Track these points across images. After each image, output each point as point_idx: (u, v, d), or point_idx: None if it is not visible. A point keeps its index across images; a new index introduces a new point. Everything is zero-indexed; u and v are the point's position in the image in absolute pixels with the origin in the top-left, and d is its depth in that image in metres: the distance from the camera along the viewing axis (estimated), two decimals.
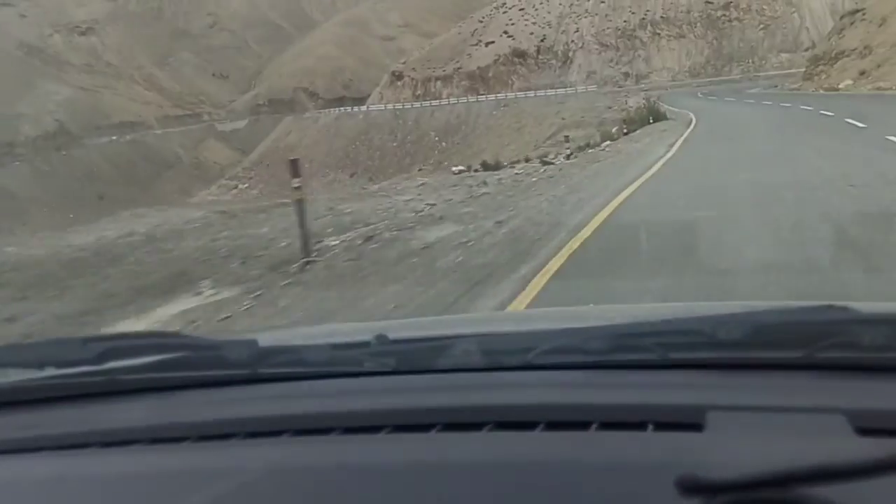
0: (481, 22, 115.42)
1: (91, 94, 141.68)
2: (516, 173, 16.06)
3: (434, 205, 12.18)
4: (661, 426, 0.96)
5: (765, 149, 14.56)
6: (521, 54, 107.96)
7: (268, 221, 10.76)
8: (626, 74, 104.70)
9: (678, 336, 1.15)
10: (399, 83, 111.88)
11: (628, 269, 6.08)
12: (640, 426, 0.96)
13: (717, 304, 2.07)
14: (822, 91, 47.15)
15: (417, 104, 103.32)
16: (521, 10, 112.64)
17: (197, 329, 5.48)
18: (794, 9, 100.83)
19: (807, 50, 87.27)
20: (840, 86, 46.71)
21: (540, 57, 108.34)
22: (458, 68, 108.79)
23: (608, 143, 21.99)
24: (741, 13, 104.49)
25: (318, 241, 9.26)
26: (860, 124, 17.74)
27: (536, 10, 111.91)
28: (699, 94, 65.03)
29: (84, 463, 1.08)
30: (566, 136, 15.63)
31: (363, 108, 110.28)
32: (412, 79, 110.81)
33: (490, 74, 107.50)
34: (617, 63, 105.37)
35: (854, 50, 52.23)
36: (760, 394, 1.03)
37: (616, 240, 7.43)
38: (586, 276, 6.03)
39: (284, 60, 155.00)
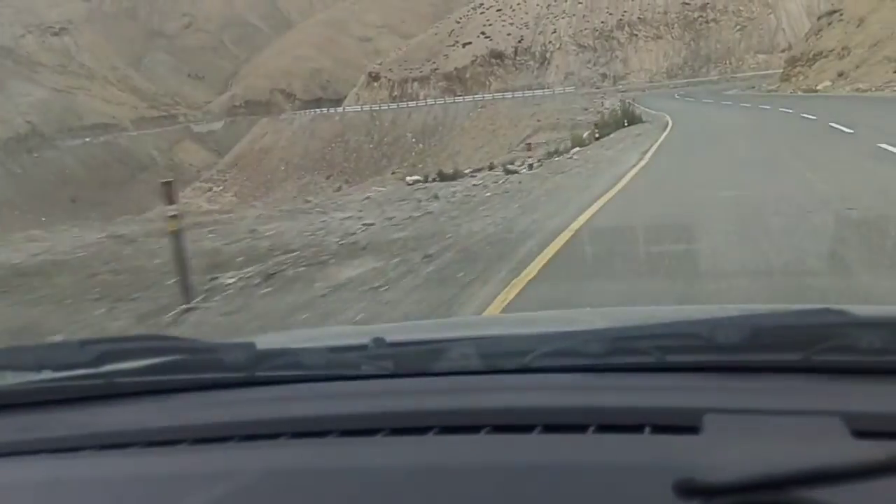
0: (458, 23, 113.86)
1: (64, 95, 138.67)
2: (473, 185, 14.44)
3: (371, 225, 10.53)
4: (659, 429, 0.95)
5: (746, 158, 13.03)
6: (498, 55, 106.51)
7: (170, 248, 9.10)
8: (604, 75, 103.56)
9: (675, 339, 1.14)
10: (376, 84, 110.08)
11: None
12: (637, 429, 0.96)
13: (715, 307, 2.08)
14: (800, 92, 45.96)
15: (394, 105, 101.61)
16: (498, 10, 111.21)
17: None
18: (770, 10, 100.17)
19: (783, 51, 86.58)
20: (818, 87, 45.56)
21: (517, 58, 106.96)
22: (435, 69, 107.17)
23: (577, 149, 20.40)
24: (718, 14, 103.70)
25: (214, 278, 7.59)
26: (847, 129, 16.28)
27: (514, 10, 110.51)
28: (676, 95, 63.81)
29: (81, 466, 1.07)
30: (528, 145, 13.95)
31: (339, 109, 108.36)
32: (389, 80, 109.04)
33: (467, 75, 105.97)
34: (594, 64, 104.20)
35: (832, 51, 51.20)
36: (757, 397, 1.02)
37: (566, 287, 5.80)
38: None
39: (261, 61, 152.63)
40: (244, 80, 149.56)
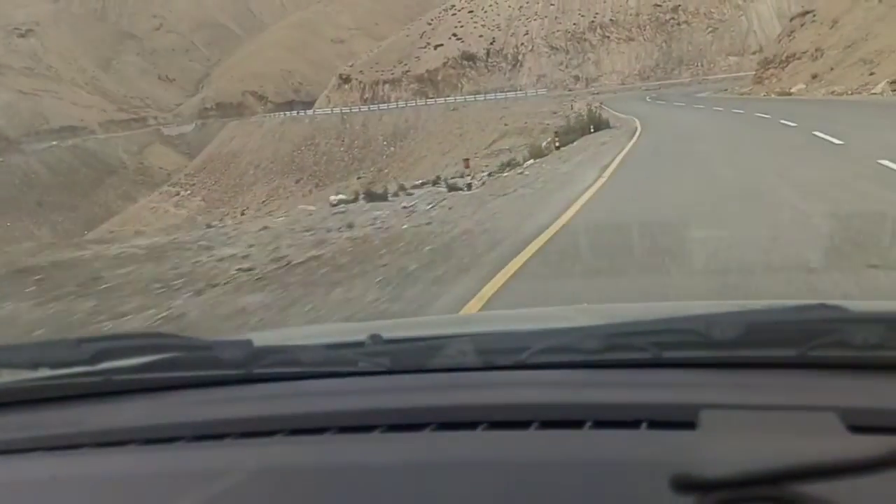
0: (430, 24, 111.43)
1: (30, 98, 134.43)
2: (402, 207, 12.01)
3: (248, 270, 8.05)
4: (655, 425, 0.95)
5: (723, 177, 10.67)
6: (470, 57, 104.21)
7: None
8: (576, 78, 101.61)
9: (672, 335, 1.13)
10: (347, 86, 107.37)
11: None
12: (633, 425, 0.95)
13: (711, 303, 2.05)
14: (773, 95, 43.95)
15: (365, 108, 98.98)
16: (469, 12, 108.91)
17: None
18: (741, 12, 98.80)
19: (754, 53, 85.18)
20: (792, 90, 43.60)
21: (489, 60, 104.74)
22: (407, 71, 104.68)
23: (531, 162, 17.98)
24: (689, 16, 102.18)
25: None
26: (834, 140, 14.00)
27: (485, 12, 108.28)
28: (647, 98, 61.69)
29: (78, 463, 1.06)
30: (466, 161, 11.62)
31: (309, 112, 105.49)
32: (360, 82, 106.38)
33: (439, 77, 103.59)
34: (567, 66, 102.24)
35: (805, 52, 49.40)
36: (754, 392, 1.02)
37: None
38: None
39: (233, 63, 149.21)
40: (216, 82, 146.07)
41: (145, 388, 1.24)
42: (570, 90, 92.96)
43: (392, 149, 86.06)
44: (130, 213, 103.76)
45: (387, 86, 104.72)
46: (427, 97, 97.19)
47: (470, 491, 0.85)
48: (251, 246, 9.84)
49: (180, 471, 0.99)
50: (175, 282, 7.93)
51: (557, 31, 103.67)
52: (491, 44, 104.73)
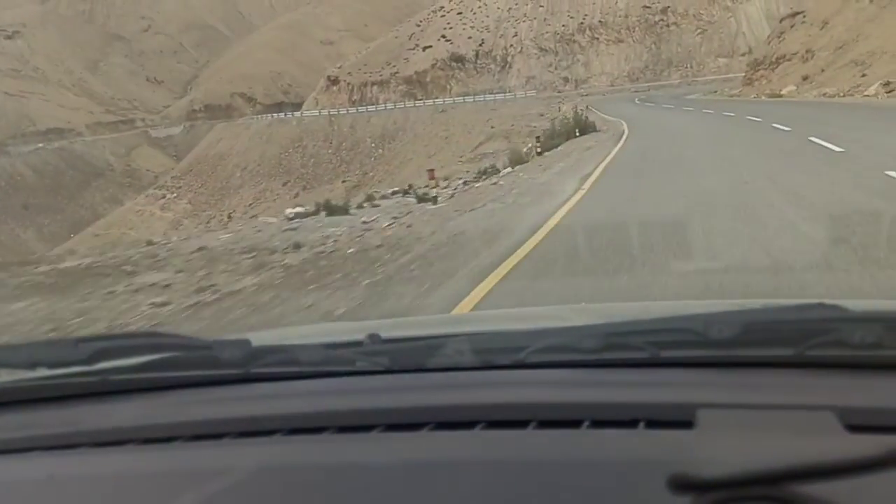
0: (419, 26, 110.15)
1: (17, 100, 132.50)
2: (361, 223, 10.76)
3: (164, 305, 6.80)
4: (652, 424, 0.94)
5: (715, 191, 9.45)
6: (459, 59, 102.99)
7: None
8: (566, 79, 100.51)
9: (669, 334, 1.13)
10: (335, 88, 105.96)
11: None
12: (631, 424, 0.95)
13: (709, 302, 2.00)
14: (764, 98, 42.86)
15: (353, 110, 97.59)
16: (458, 13, 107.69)
17: None
18: (730, 14, 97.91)
19: (743, 55, 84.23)
20: (783, 91, 42.52)
21: (479, 61, 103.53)
22: (396, 73, 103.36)
23: (508, 171, 16.72)
24: (679, 18, 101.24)
25: None
26: (833, 147, 12.81)
27: (475, 13, 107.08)
28: (636, 100, 60.51)
29: (76, 463, 1.05)
30: (431, 171, 10.38)
31: (297, 113, 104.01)
32: (348, 84, 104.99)
33: (428, 79, 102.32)
34: (556, 68, 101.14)
35: (795, 54, 48.33)
36: (751, 391, 1.01)
37: None
38: None
39: (221, 65, 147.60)
40: (204, 84, 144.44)
41: (143, 388, 1.23)
42: (559, 92, 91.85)
43: (380, 151, 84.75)
44: (115, 216, 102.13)
45: (375, 87, 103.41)
46: (416, 99, 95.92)
47: (468, 490, 0.84)
48: (179, 272, 8.58)
49: (178, 470, 0.99)
50: (71, 322, 6.66)
51: (546, 32, 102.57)
52: (480, 45, 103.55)
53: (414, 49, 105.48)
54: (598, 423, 0.96)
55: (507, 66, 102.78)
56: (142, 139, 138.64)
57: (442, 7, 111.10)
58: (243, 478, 0.92)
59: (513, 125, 46.02)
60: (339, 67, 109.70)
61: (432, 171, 10.56)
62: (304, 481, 0.92)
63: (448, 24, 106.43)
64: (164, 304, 7.01)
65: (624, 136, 23.23)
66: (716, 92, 60.84)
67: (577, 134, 25.64)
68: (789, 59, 48.65)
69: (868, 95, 31.56)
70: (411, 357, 1.21)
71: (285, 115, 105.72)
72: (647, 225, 7.55)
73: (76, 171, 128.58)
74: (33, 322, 6.60)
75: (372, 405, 1.08)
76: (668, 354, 1.09)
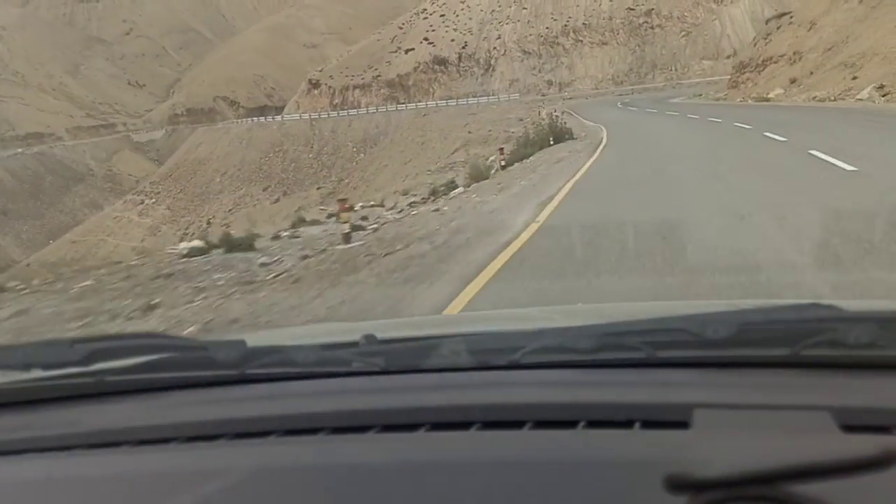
0: (401, 28, 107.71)
1: None
2: (259, 264, 8.33)
3: None
4: (648, 424, 0.94)
5: (703, 232, 7.09)
6: (442, 61, 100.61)
7: None
8: (550, 82, 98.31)
9: (665, 335, 1.12)
10: (316, 92, 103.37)
11: None
12: (627, 424, 0.94)
13: (704, 302, 1.99)
14: (751, 101, 40.69)
15: (335, 114, 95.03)
16: (441, 16, 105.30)
17: None
18: (714, 16, 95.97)
19: (728, 57, 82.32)
20: (770, 95, 40.36)
21: (462, 64, 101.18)
22: (378, 76, 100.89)
23: (460, 190, 14.29)
24: (663, 20, 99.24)
25: None
26: (841, 164, 10.47)
27: (457, 16, 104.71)
28: (619, 103, 58.28)
29: (71, 465, 1.04)
30: (341, 203, 8.11)
31: (277, 117, 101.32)
32: (330, 87, 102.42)
33: (410, 82, 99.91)
34: (540, 71, 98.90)
35: (782, 56, 46.21)
36: (746, 392, 1.01)
37: None
38: None
39: (204, 68, 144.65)
40: (187, 87, 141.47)
41: (139, 389, 1.21)
42: (543, 95, 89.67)
43: (361, 155, 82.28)
44: (93, 223, 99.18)
45: (357, 91, 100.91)
46: (398, 102, 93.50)
47: (464, 491, 0.83)
48: None
49: (174, 471, 0.97)
50: None
51: (530, 35, 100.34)
52: (463, 48, 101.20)
53: (396, 52, 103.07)
54: (593, 424, 0.95)
55: (491, 68, 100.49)
56: (123, 143, 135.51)
57: (425, 9, 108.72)
58: (239, 479, 0.91)
59: (490, 130, 43.69)
60: (320, 71, 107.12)
61: (344, 201, 8.14)
62: (301, 482, 0.91)
63: (431, 26, 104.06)
64: None
65: (602, 145, 20.89)
66: (700, 95, 58.67)
67: (552, 142, 23.25)
68: (776, 62, 46.53)
69: (861, 99, 29.41)
70: (407, 358, 1.19)
71: (265, 119, 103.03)
72: (609, 296, 5.15)
73: (56, 177, 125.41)
74: None
75: (368, 406, 1.07)
76: (664, 355, 1.08)
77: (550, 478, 0.83)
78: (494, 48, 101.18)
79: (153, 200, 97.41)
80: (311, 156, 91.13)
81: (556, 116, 27.79)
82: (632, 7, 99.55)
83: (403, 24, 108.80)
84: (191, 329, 5.64)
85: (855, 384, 1.00)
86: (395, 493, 0.85)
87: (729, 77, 56.45)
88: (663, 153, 16.14)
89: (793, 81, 41.59)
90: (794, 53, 44.71)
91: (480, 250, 7.30)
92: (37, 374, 1.22)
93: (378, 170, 55.89)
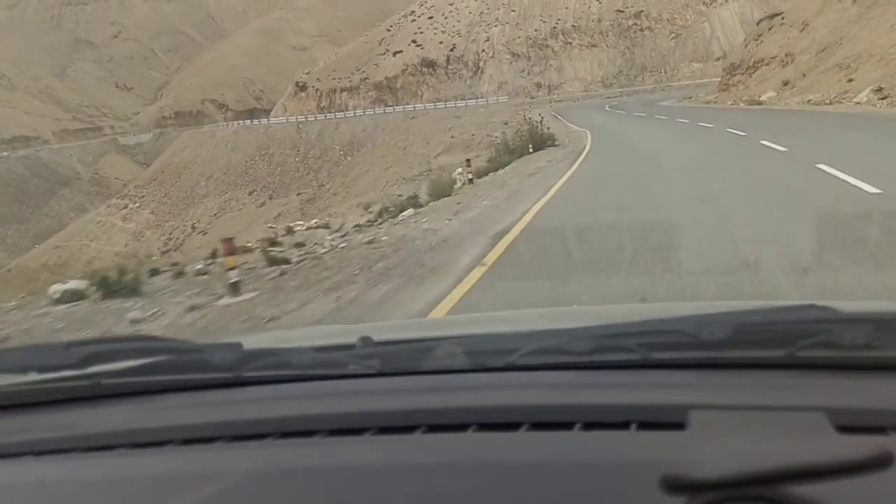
0: (389, 31, 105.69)
1: None
2: (126, 321, 6.33)
3: None
4: (645, 425, 0.94)
5: (695, 279, 5.15)
6: (430, 64, 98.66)
7: None
8: (539, 85, 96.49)
9: (661, 336, 1.12)
10: (303, 94, 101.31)
11: None
12: (623, 426, 0.94)
13: (700, 303, 1.97)
14: (743, 104, 38.83)
15: (322, 117, 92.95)
16: (429, 18, 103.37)
17: None
18: (704, 18, 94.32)
19: (718, 59, 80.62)
20: (762, 98, 38.49)
21: (450, 67, 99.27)
22: (365, 78, 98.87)
23: (410, 212, 12.30)
24: (652, 22, 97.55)
25: None
26: (861, 184, 8.52)
27: (446, 18, 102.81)
28: (607, 106, 56.41)
29: (67, 468, 1.03)
30: (227, 244, 6.44)
31: (264, 120, 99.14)
32: (317, 90, 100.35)
33: (398, 85, 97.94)
34: (528, 73, 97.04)
35: (774, 58, 44.39)
36: (742, 393, 1.01)
37: None
38: None
39: (193, 71, 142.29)
40: (175, 90, 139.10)
41: (135, 392, 1.20)
42: (532, 98, 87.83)
43: (348, 159, 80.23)
44: (77, 227, 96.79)
45: (344, 94, 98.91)
46: (386, 105, 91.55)
47: (461, 493, 0.83)
48: None
49: (170, 474, 0.96)
50: None
51: (519, 37, 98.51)
52: (451, 50, 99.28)
53: (384, 54, 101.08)
54: (590, 425, 0.94)
55: (479, 71, 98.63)
56: (110, 147, 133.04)
57: (413, 12, 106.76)
58: (236, 481, 0.90)
59: (473, 135, 41.77)
60: (307, 73, 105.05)
61: (230, 241, 6.14)
62: (297, 485, 0.90)
63: (419, 28, 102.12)
64: None
65: (583, 154, 18.95)
66: (690, 98, 56.87)
67: (531, 150, 21.29)
68: (768, 64, 44.70)
69: (860, 103, 27.55)
70: (403, 360, 1.19)
71: (251, 122, 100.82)
72: None
73: (42, 180, 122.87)
74: None
75: (364, 408, 1.06)
76: (660, 356, 1.07)
77: (547, 479, 0.82)
78: (483, 50, 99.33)
79: (137, 205, 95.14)
80: (297, 159, 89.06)
81: (537, 123, 25.75)
82: (621, 9, 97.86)
83: (391, 26, 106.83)
84: None
85: (851, 385, 0.99)
86: (392, 495, 0.84)
87: (719, 79, 54.63)
88: (649, 166, 14.17)
89: (785, 84, 39.74)
90: (787, 55, 42.88)
91: (409, 303, 5.31)
92: (33, 377, 1.20)
93: (359, 175, 53.91)
